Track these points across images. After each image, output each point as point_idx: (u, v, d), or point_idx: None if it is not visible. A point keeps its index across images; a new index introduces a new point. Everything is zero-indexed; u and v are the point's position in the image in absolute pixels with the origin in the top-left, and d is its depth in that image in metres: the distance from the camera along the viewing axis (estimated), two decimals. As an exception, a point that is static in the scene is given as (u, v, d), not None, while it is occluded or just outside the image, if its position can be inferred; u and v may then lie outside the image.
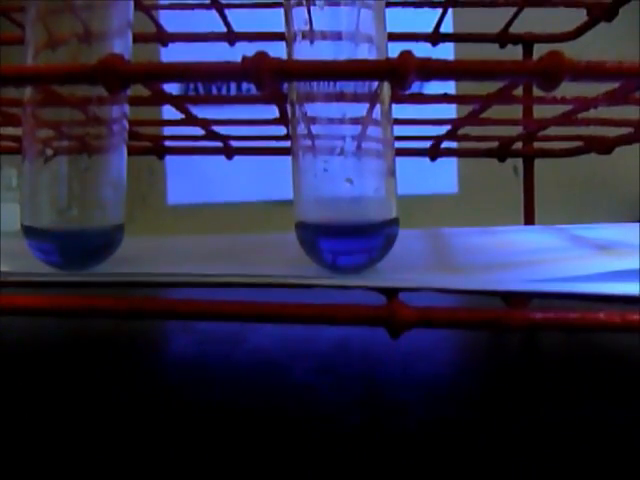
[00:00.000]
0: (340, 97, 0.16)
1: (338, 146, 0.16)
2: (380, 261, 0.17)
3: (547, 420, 0.17)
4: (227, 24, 0.30)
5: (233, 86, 0.61)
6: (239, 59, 0.13)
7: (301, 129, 0.17)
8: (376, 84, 0.17)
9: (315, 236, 0.17)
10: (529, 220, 0.33)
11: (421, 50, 0.14)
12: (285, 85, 0.19)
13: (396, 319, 0.14)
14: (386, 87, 0.17)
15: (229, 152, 0.33)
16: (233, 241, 0.26)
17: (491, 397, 0.19)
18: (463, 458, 0.15)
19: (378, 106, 0.17)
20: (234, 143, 0.33)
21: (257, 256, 0.21)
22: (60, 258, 0.18)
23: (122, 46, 0.19)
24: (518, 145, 0.32)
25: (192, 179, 0.65)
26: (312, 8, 0.16)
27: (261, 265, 0.19)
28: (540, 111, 0.28)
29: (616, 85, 0.18)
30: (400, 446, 0.16)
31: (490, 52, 0.28)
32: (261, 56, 0.13)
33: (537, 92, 0.15)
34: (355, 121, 0.17)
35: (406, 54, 0.13)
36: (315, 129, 0.17)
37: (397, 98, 0.22)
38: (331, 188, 0.17)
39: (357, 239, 0.17)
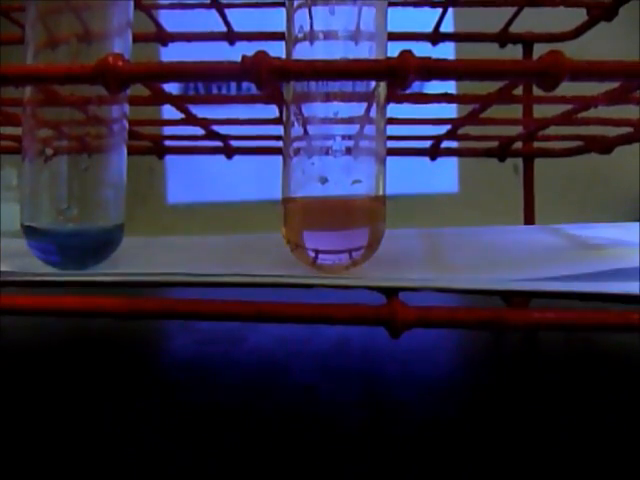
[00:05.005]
0: (336, 97, 0.16)
1: (334, 146, 0.16)
2: (363, 262, 0.17)
3: (547, 420, 0.17)
4: (227, 24, 0.30)
5: (233, 86, 0.61)
6: (239, 59, 0.13)
7: (296, 129, 0.17)
8: (373, 84, 0.17)
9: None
10: (529, 220, 0.33)
11: (421, 50, 0.14)
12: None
13: (396, 319, 0.14)
14: (382, 86, 0.17)
15: (229, 152, 0.33)
16: (232, 241, 0.26)
17: (491, 397, 0.19)
18: (463, 458, 0.15)
19: (373, 105, 0.17)
20: (234, 143, 0.32)
21: (256, 256, 0.21)
22: (60, 258, 0.18)
23: (122, 46, 0.19)
24: (518, 145, 0.32)
25: (192, 178, 0.65)
26: (314, 8, 0.16)
27: (261, 265, 0.19)
28: (540, 111, 0.28)
29: (616, 85, 0.18)
30: (400, 446, 0.16)
31: (490, 52, 0.28)
32: (261, 56, 0.13)
33: (537, 92, 0.15)
34: (351, 120, 0.17)
35: (406, 54, 0.13)
36: (311, 129, 0.17)
37: (397, 98, 0.22)
38: (322, 187, 0.17)
39: (341, 238, 0.17)
